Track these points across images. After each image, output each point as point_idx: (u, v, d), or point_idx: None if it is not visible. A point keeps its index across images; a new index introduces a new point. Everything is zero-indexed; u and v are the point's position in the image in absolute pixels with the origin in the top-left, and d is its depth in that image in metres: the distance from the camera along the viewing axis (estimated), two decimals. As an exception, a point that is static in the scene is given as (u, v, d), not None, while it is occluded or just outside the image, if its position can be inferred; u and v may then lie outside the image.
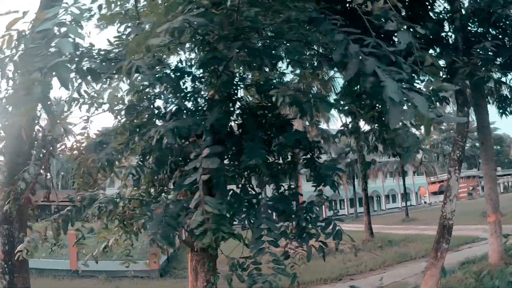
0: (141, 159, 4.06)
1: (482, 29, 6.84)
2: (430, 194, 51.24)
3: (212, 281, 3.79)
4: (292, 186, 3.54)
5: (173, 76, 3.52)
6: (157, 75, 3.33)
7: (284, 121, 3.64)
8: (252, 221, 3.22)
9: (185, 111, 3.24)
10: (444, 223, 5.94)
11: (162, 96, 3.76)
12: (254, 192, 3.47)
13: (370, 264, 11.46)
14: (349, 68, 2.22)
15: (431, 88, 2.09)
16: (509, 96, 8.64)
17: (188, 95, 3.77)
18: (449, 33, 6.75)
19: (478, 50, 5.47)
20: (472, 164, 40.66)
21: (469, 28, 6.64)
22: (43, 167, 5.31)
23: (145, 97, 3.86)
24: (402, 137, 2.72)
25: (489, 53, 5.46)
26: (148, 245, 5.44)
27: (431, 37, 6.11)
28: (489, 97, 9.22)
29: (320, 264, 12.38)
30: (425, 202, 49.04)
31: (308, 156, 3.44)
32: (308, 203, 3.35)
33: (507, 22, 5.90)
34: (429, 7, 6.38)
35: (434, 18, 6.34)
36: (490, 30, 6.85)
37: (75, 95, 3.23)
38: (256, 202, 3.36)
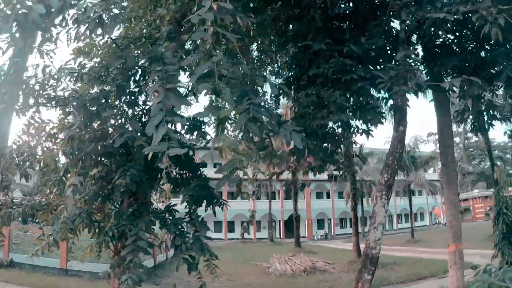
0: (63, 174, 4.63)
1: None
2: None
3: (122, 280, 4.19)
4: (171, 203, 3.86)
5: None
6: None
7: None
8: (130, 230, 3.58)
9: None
10: (367, 252, 5.43)
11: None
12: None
13: (343, 286, 11.30)
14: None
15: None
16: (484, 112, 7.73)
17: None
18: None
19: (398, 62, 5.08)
20: (490, 184, 38.82)
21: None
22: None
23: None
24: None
25: (412, 63, 5.10)
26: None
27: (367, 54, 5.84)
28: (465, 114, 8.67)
29: (295, 282, 12.43)
30: (439, 222, 46.96)
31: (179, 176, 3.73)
32: (177, 219, 3.64)
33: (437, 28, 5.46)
34: (372, 22, 6.25)
35: (378, 33, 6.02)
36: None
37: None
38: (139, 215, 3.71)
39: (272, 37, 8.36)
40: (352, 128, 6.13)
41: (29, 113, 4.61)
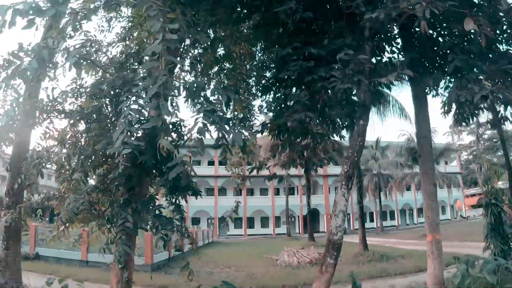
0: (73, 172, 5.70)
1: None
2: (469, 208, 48.46)
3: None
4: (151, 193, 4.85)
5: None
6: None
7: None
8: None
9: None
10: (330, 238, 5.86)
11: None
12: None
13: (341, 275, 11.51)
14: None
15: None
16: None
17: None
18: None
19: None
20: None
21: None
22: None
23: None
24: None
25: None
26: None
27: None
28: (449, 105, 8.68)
29: (297, 272, 13.19)
30: (461, 216, 46.47)
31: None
32: (156, 206, 4.60)
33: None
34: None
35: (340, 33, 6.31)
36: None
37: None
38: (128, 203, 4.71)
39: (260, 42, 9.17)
40: (327, 125, 6.73)
41: (44, 124, 5.78)
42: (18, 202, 7.47)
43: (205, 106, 3.73)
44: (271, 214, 45.41)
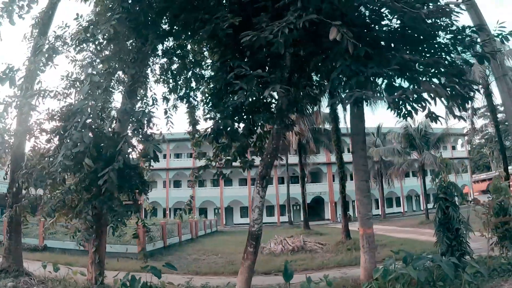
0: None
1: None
2: (480, 193, 48.96)
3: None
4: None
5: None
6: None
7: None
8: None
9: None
10: (250, 230, 6.97)
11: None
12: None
13: (313, 264, 13.01)
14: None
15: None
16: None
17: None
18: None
19: None
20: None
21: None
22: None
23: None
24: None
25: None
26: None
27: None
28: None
29: (275, 259, 14.66)
30: (466, 201, 46.72)
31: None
32: (110, 201, 6.30)
33: None
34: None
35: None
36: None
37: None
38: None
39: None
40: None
41: (32, 140, 7.60)
42: (17, 202, 9.33)
43: (134, 125, 5.42)
44: (275, 202, 47.24)
